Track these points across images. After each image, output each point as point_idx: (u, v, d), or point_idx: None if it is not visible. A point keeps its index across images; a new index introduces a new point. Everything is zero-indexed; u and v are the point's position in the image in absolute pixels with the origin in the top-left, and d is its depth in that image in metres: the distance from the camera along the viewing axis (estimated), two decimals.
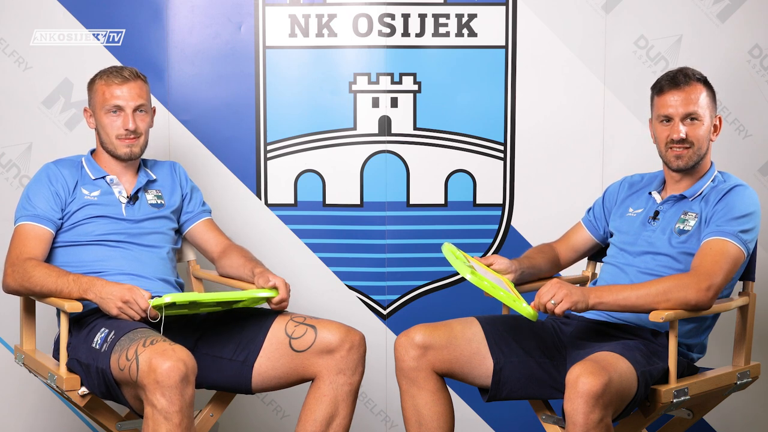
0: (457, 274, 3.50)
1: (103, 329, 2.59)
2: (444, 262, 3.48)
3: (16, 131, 3.41)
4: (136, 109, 2.84)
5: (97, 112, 2.86)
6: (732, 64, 3.43)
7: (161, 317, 2.57)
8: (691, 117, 2.68)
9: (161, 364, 2.37)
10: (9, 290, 2.75)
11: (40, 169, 2.88)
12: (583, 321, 2.77)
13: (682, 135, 2.67)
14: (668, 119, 2.70)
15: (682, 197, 2.74)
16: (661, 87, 2.72)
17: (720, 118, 2.75)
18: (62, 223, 2.81)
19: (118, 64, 3.29)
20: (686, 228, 2.70)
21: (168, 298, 2.52)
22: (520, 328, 2.74)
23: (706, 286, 2.53)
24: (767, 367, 3.03)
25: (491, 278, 2.60)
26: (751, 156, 3.48)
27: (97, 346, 2.56)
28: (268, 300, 2.72)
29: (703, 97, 2.69)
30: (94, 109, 2.88)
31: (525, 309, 2.47)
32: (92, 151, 2.95)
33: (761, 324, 3.28)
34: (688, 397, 2.56)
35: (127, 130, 2.83)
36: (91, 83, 2.89)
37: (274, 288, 2.71)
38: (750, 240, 2.64)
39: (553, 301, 2.48)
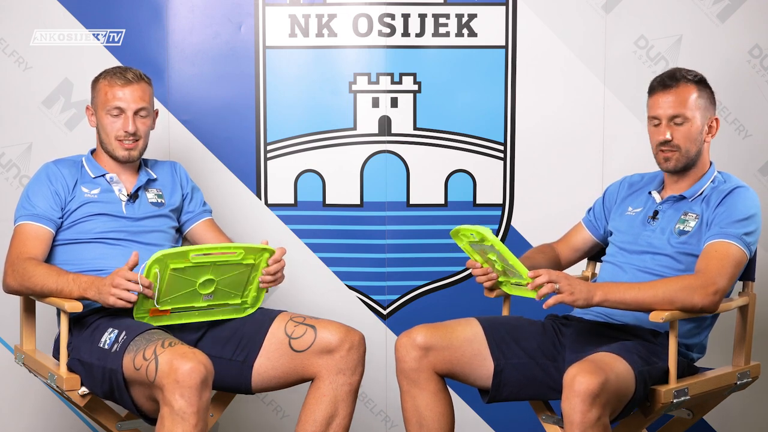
0: (457, 274, 3.51)
1: (111, 330, 2.59)
2: (443, 262, 3.50)
3: (16, 131, 3.41)
4: (137, 112, 2.84)
5: (99, 112, 2.86)
6: (732, 64, 3.43)
7: (159, 289, 2.53)
8: (677, 119, 2.68)
9: (182, 365, 2.37)
10: (9, 290, 2.75)
11: (40, 168, 2.88)
12: (583, 322, 2.77)
13: (667, 137, 2.67)
14: (657, 121, 2.70)
15: (682, 198, 2.74)
16: (652, 88, 2.73)
17: (717, 119, 2.74)
18: (62, 222, 2.81)
19: (118, 64, 3.30)
20: (686, 228, 2.70)
21: (158, 254, 2.46)
22: (520, 329, 2.74)
23: (713, 290, 2.53)
24: (767, 367, 3.03)
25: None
26: (751, 156, 3.48)
27: (106, 347, 2.55)
28: (261, 265, 2.67)
29: (693, 98, 2.68)
30: (96, 108, 2.88)
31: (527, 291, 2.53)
32: (92, 151, 2.95)
33: (761, 324, 3.27)
34: (688, 398, 2.56)
35: (126, 132, 2.83)
36: (95, 82, 2.89)
37: (269, 248, 2.64)
38: (752, 242, 2.64)
39: (557, 286, 2.47)
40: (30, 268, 2.68)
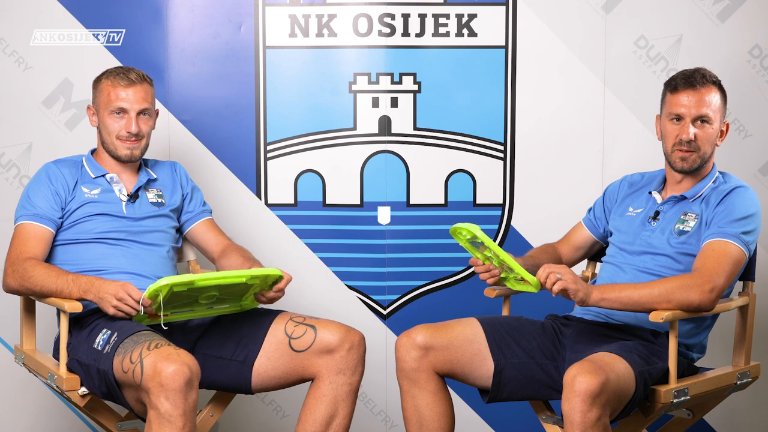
0: (457, 274, 3.51)
1: (104, 330, 2.59)
2: (443, 262, 3.50)
3: (16, 131, 3.41)
4: (140, 113, 2.84)
5: (101, 112, 2.86)
6: (732, 64, 3.43)
7: (160, 307, 2.52)
8: (702, 119, 2.67)
9: (166, 368, 2.37)
10: (9, 290, 2.75)
11: (40, 168, 2.88)
12: (583, 323, 2.77)
13: (691, 136, 2.67)
14: (679, 118, 2.69)
15: (683, 198, 2.74)
16: (675, 85, 2.71)
17: (728, 125, 2.74)
18: (62, 222, 2.81)
19: (118, 63, 3.30)
20: (686, 229, 2.70)
21: (164, 281, 2.46)
22: (520, 329, 2.74)
23: (709, 288, 2.53)
24: (767, 367, 3.03)
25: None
26: (751, 156, 3.48)
27: (99, 348, 2.55)
28: (265, 288, 2.68)
29: (716, 100, 2.68)
30: (98, 108, 2.88)
31: (530, 276, 2.52)
32: (93, 151, 2.95)
33: (761, 324, 3.28)
34: (688, 398, 2.57)
35: (129, 132, 2.83)
36: (97, 82, 2.89)
37: (275, 272, 2.62)
38: (751, 241, 2.64)
39: (559, 275, 2.47)
40: (30, 268, 2.68)
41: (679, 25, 3.43)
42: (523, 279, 2.61)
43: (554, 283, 2.48)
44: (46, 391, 3.45)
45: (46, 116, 3.41)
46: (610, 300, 2.53)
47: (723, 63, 3.41)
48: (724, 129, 2.74)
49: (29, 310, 2.88)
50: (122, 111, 2.83)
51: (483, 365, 2.68)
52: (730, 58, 3.44)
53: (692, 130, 2.67)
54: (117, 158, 2.88)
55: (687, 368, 2.69)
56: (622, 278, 2.74)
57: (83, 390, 2.61)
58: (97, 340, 2.58)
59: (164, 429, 2.38)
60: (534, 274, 2.61)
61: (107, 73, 2.88)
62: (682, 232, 2.70)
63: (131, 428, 2.75)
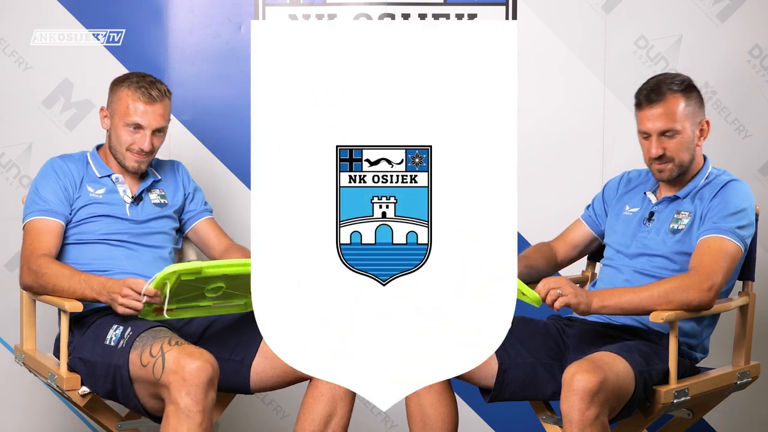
0: None
1: (116, 327, 2.59)
2: None
3: (16, 131, 3.42)
4: (155, 131, 2.82)
5: (115, 120, 2.81)
6: (732, 64, 3.43)
7: (167, 298, 2.49)
8: (667, 132, 2.66)
9: (189, 364, 2.38)
10: (25, 287, 2.75)
11: (45, 163, 2.85)
12: (586, 323, 2.76)
13: (660, 152, 2.66)
14: (647, 135, 2.69)
15: (676, 198, 2.74)
16: (639, 101, 2.69)
17: (707, 122, 2.72)
18: (71, 218, 2.79)
19: (118, 63, 3.31)
20: (680, 227, 2.69)
21: (171, 268, 2.42)
22: (524, 329, 2.74)
23: (707, 286, 2.53)
24: (767, 367, 3.03)
25: None
26: (751, 156, 3.47)
27: (112, 343, 2.55)
28: None
29: (681, 108, 2.65)
30: (113, 114, 2.83)
31: (531, 292, 2.51)
32: (98, 147, 2.92)
33: (761, 324, 3.27)
34: (688, 398, 2.56)
35: (141, 149, 2.80)
36: (116, 86, 2.83)
37: None
38: (747, 236, 2.63)
39: (559, 291, 2.47)
40: (44, 266, 2.67)
41: (679, 25, 3.43)
42: (523, 293, 2.60)
43: (555, 300, 2.48)
44: (46, 391, 3.45)
45: (46, 116, 3.41)
46: (611, 307, 2.53)
47: (723, 63, 3.41)
48: (705, 127, 2.71)
49: (30, 309, 2.88)
50: (138, 126, 2.80)
51: (487, 364, 2.67)
52: (730, 58, 3.44)
53: (659, 146, 2.65)
54: (123, 167, 2.86)
55: (689, 369, 2.69)
56: (619, 278, 2.73)
57: (84, 389, 2.61)
58: (108, 337, 2.58)
59: (182, 424, 2.38)
60: (528, 277, 2.61)
61: (129, 82, 2.81)
62: (676, 231, 2.69)
63: (131, 428, 2.75)
